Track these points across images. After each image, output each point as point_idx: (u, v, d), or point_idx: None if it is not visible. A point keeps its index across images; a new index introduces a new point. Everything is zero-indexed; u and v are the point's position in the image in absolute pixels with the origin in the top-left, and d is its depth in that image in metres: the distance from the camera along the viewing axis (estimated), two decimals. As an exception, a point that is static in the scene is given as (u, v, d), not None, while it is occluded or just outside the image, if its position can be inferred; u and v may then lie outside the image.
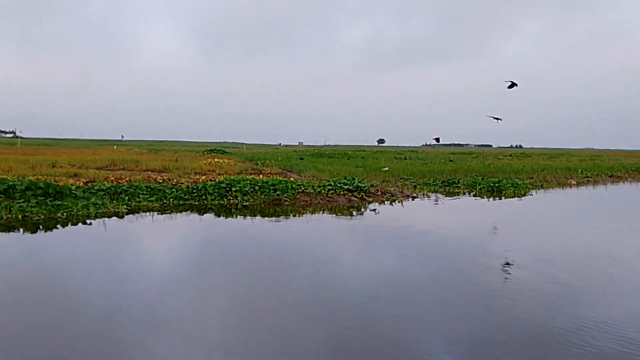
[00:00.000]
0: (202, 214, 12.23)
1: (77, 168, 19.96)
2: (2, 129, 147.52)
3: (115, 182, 14.51)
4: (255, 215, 12.26)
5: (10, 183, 12.09)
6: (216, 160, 24.98)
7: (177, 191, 13.78)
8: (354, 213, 13.07)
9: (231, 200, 13.75)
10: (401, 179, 21.29)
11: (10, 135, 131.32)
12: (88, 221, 10.66)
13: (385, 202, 14.94)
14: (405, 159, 33.12)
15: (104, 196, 12.69)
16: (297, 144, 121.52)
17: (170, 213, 12.11)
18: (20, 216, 10.65)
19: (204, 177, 16.34)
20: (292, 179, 16.16)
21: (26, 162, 21.80)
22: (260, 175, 17.29)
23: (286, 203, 13.83)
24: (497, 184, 19.27)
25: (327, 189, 14.84)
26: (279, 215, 12.40)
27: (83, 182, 14.42)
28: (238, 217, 12.05)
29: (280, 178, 15.96)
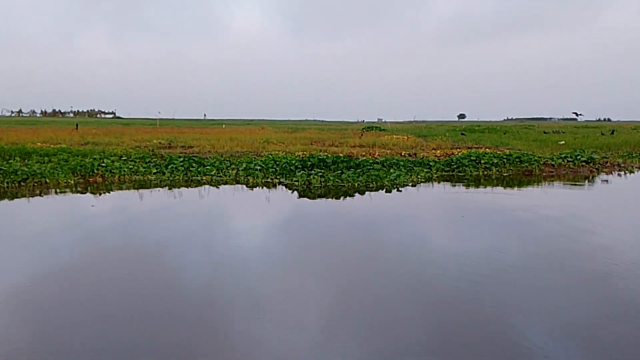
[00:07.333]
0: (454, 184, 13.80)
1: (289, 145, 22.22)
2: (102, 110, 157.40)
3: (371, 157, 16.45)
4: (503, 185, 13.77)
5: (320, 157, 14.25)
6: (395, 137, 26.75)
7: (436, 164, 15.53)
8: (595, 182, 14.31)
9: (485, 172, 15.34)
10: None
11: (111, 115, 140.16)
12: (401, 188, 12.55)
13: (614, 173, 16.10)
14: (554, 132, 33.76)
15: (388, 168, 14.62)
16: (375, 120, 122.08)
17: (439, 182, 13.79)
18: (356, 184, 12.69)
19: (439, 152, 18.07)
20: (526, 152, 17.55)
21: (233, 140, 24.31)
22: (487, 149, 18.77)
23: (536, 174, 15.30)
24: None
25: (566, 161, 16.16)
26: (523, 185, 13.76)
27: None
28: (487, 187, 13.53)
29: (512, 151, 17.39)
